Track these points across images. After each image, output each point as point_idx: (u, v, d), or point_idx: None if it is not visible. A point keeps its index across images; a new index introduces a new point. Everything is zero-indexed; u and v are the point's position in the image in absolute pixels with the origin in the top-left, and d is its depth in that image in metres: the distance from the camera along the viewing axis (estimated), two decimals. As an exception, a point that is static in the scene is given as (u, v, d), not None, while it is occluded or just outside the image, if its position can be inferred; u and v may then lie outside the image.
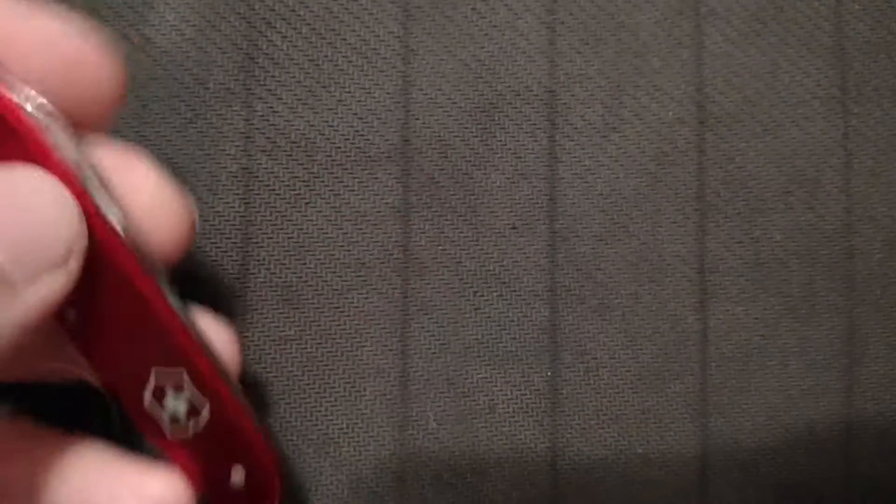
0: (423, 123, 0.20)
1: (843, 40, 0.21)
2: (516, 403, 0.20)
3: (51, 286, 0.12)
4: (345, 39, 0.20)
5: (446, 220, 0.20)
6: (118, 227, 0.14)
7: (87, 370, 0.14)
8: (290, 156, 0.20)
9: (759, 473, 0.20)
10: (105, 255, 0.13)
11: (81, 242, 0.13)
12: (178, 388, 0.14)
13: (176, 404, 0.14)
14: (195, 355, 0.14)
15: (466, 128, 0.20)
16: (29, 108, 0.13)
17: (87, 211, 0.13)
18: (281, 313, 0.19)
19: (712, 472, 0.20)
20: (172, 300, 0.14)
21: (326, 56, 0.20)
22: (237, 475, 0.15)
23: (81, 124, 0.13)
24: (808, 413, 0.20)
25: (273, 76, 0.20)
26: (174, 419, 0.14)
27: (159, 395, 0.14)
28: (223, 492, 0.15)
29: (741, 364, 0.20)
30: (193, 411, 0.15)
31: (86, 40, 0.13)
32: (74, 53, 0.13)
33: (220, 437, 0.15)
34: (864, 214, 0.21)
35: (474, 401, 0.20)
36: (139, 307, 0.14)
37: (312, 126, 0.20)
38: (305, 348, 0.19)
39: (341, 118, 0.20)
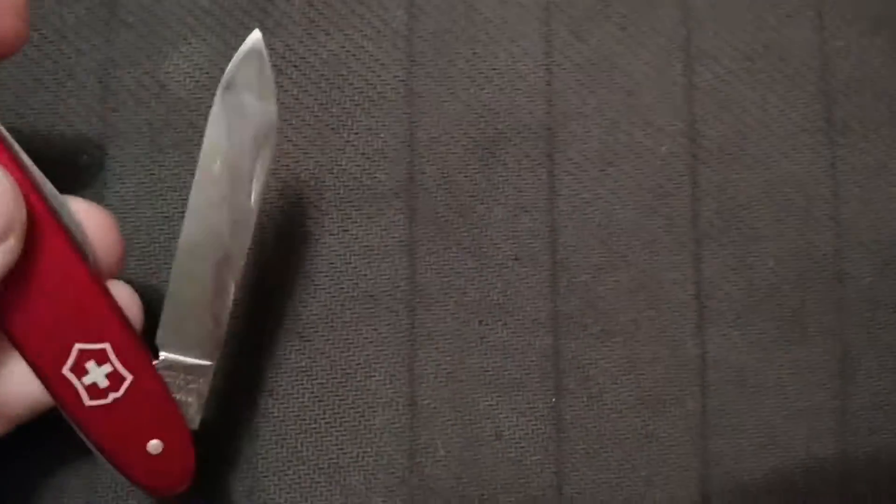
0: (428, 161, 0.21)
1: (828, 77, 0.22)
2: (522, 429, 0.20)
3: None
4: (352, 84, 0.21)
5: (451, 252, 0.21)
6: (63, 221, 0.16)
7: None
8: (301, 195, 0.20)
9: (757, 491, 0.21)
10: (47, 238, 0.15)
11: (20, 224, 0.15)
12: (101, 362, 0.16)
13: (97, 375, 0.16)
14: (121, 332, 0.16)
15: (469, 164, 0.21)
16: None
17: (31, 197, 0.15)
18: (293, 346, 0.20)
19: (713, 491, 0.21)
20: (102, 282, 0.16)
21: (335, 100, 0.21)
22: (153, 444, 0.17)
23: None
24: (804, 432, 0.21)
25: (284, 119, 0.20)
26: (94, 388, 0.16)
27: (80, 366, 0.16)
28: (140, 459, 0.16)
29: (739, 386, 0.21)
30: (114, 382, 0.16)
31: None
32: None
33: (138, 406, 0.16)
34: (853, 240, 0.22)
35: (481, 428, 0.20)
36: (72, 288, 0.16)
37: (322, 166, 0.20)
38: (317, 380, 0.20)
39: (350, 158, 0.21)
